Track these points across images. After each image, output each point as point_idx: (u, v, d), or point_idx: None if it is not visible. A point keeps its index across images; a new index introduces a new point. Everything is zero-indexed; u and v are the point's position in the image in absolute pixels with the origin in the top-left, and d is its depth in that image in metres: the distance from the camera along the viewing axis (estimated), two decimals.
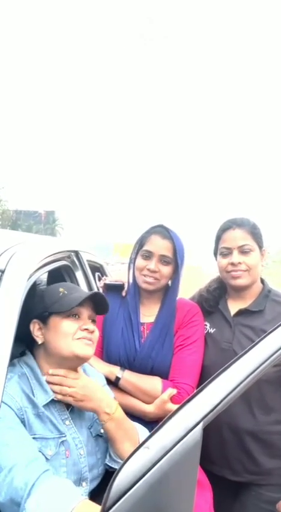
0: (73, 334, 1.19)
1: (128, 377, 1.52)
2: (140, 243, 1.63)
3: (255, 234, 1.62)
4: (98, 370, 1.45)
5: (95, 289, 2.18)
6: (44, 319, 1.23)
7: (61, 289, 1.26)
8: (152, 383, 1.51)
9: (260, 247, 1.63)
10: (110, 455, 1.26)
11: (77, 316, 1.23)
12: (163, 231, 1.61)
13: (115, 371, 1.53)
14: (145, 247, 1.59)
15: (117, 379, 1.52)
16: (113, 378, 1.51)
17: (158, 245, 1.57)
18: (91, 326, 1.24)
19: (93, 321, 1.29)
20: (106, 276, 2.60)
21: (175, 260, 1.58)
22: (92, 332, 1.23)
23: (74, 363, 1.23)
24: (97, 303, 1.29)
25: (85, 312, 1.25)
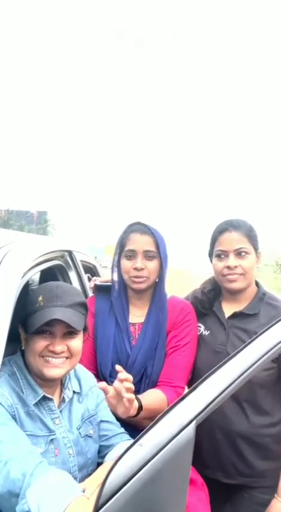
0: (40, 352, 1.14)
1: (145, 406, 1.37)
2: (121, 244, 1.60)
3: (251, 236, 1.59)
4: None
5: (88, 291, 2.16)
6: (25, 327, 1.18)
7: (40, 298, 1.16)
8: (157, 399, 1.43)
9: (256, 249, 1.60)
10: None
11: (48, 333, 1.14)
12: (140, 227, 1.58)
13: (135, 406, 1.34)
14: (127, 247, 1.56)
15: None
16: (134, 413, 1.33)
17: (140, 241, 1.54)
18: (59, 347, 1.14)
19: (71, 333, 1.17)
20: (99, 276, 2.59)
21: (159, 254, 1.56)
22: (59, 353, 1.14)
23: (45, 380, 1.17)
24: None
25: (58, 329, 1.14)
